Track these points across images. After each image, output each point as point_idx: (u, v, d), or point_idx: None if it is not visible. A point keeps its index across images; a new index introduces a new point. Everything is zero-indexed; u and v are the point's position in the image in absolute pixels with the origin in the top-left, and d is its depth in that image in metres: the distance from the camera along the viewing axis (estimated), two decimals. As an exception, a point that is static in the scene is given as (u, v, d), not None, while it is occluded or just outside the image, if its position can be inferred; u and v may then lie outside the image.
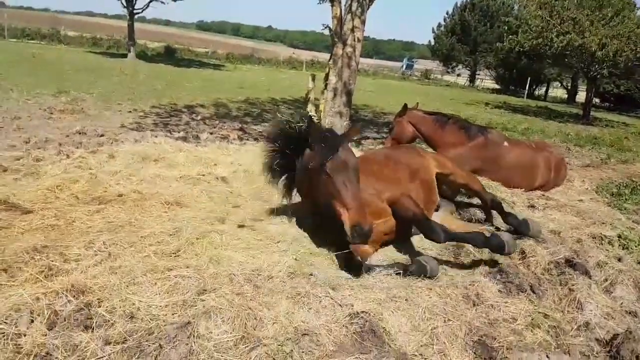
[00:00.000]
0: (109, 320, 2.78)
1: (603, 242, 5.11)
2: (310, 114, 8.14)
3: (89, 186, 5.05)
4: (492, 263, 4.24)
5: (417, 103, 7.73)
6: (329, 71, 7.77)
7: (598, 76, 23.49)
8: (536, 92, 47.20)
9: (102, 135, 8.11)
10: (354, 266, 3.81)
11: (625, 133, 19.50)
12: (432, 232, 3.83)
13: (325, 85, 7.87)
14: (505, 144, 7.04)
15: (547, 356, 2.84)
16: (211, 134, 9.34)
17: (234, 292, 3.23)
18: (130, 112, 10.98)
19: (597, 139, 15.53)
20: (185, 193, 5.20)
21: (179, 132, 9.12)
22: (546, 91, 48.64)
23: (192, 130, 9.54)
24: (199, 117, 11.35)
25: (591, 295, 3.71)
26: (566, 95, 46.30)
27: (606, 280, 4.16)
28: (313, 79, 8.31)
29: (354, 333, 2.94)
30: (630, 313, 3.63)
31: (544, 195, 6.88)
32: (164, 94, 14.57)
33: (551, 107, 31.45)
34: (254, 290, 3.32)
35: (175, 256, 3.71)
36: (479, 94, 38.33)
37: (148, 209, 4.61)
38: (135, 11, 29.54)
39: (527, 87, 41.58)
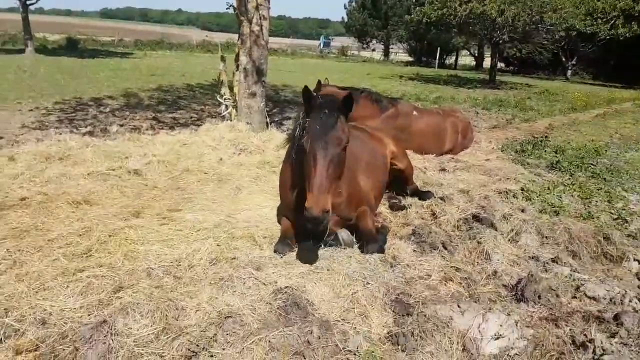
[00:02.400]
0: (18, 330, 2.62)
1: (508, 196, 5.56)
2: (225, 96, 7.95)
3: (-15, 193, 4.62)
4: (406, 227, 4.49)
5: (326, 78, 7.81)
6: (238, 51, 7.60)
7: (500, 41, 25.04)
8: (447, 62, 49.47)
9: (0, 138, 7.40)
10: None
11: (528, 94, 21.10)
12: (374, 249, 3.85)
13: (237, 66, 7.70)
14: (415, 112, 7.36)
15: (458, 305, 3.06)
16: (121, 126, 8.85)
17: (152, 286, 3.14)
18: (31, 110, 10.08)
19: (503, 102, 16.66)
20: (94, 190, 4.92)
21: (85, 127, 8.55)
22: (456, 60, 51.13)
23: (100, 124, 8.97)
24: (107, 110, 10.69)
25: (497, 245, 4.03)
26: (474, 63, 48.99)
27: (512, 230, 4.53)
28: (223, 60, 8.09)
29: (278, 308, 2.98)
30: (532, 258, 3.99)
31: (453, 158, 7.32)
32: (68, 89, 13.51)
33: (460, 75, 33.18)
34: (174, 282, 3.25)
35: (86, 256, 3.52)
36: (394, 68, 39.49)
37: (54, 211, 4.32)
38: (29, 2, 26.85)
39: (437, 58, 43.41)
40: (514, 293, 3.41)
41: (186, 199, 4.86)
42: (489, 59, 47.18)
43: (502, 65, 44.79)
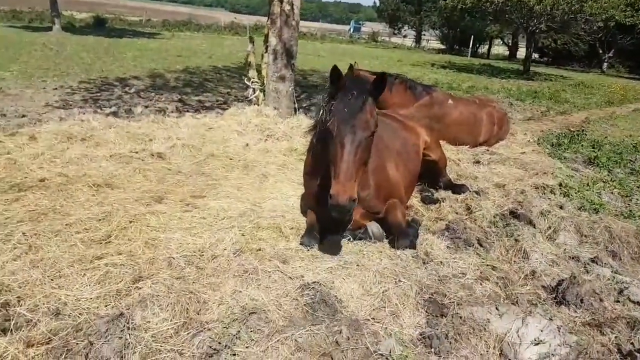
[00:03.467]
0: (30, 320, 2.51)
1: (545, 191, 5.25)
2: (252, 79, 7.77)
3: (7, 172, 4.57)
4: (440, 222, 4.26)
5: (355, 62, 7.52)
6: (267, 32, 7.38)
7: (537, 30, 24.12)
8: (479, 51, 48.12)
9: (23, 116, 7.41)
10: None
11: (563, 86, 20.29)
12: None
13: (266, 48, 7.49)
14: (450, 101, 7.04)
15: (496, 308, 2.84)
16: (146, 107, 8.79)
17: (173, 277, 3.01)
18: (55, 89, 10.12)
19: (537, 93, 16.03)
20: (116, 173, 4.83)
21: (110, 108, 8.51)
22: (489, 49, 49.66)
23: (125, 105, 8.92)
24: (132, 90, 10.66)
25: (536, 244, 3.78)
26: (507, 52, 47.50)
27: (549, 228, 4.26)
28: (252, 42, 7.89)
29: (305, 305, 2.82)
30: (573, 258, 3.72)
31: (488, 150, 6.99)
32: (94, 68, 13.57)
33: (494, 65, 32.21)
34: (196, 273, 3.11)
35: (105, 243, 3.41)
36: (425, 55, 38.63)
37: (74, 194, 4.23)
38: (56, -21, 27.10)
39: (470, 46, 42.23)
40: (554, 295, 3.16)
41: (210, 185, 4.72)
42: (523, 49, 45.80)
43: (536, 55, 43.26)
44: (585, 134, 8.73)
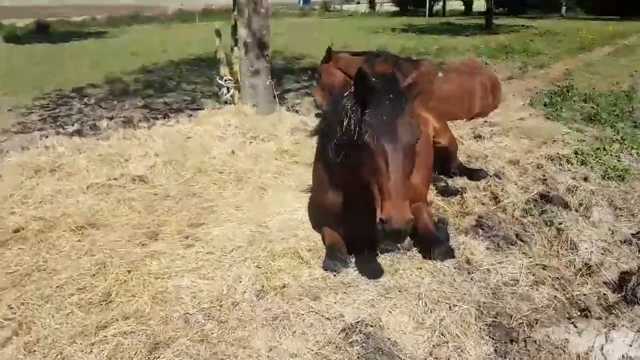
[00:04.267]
0: None
1: (562, 162, 4.95)
2: (225, 77, 7.14)
3: (-29, 228, 3.96)
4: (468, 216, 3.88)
5: (332, 44, 7.05)
6: (235, 23, 6.74)
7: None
8: (434, 9, 47.64)
9: (-21, 148, 6.64)
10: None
11: (529, 36, 20.12)
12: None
13: (235, 41, 6.85)
14: (440, 74, 6.62)
15: (574, 325, 2.51)
16: (111, 119, 8.07)
17: (195, 340, 2.55)
18: (10, 110, 9.21)
19: (507, 47, 15.75)
20: (98, 208, 4.24)
21: (72, 125, 7.76)
22: (443, 6, 49.14)
23: (88, 119, 8.17)
24: (92, 101, 9.83)
25: (581, 230, 3.46)
26: (463, 8, 47.18)
27: (581, 204, 3.95)
28: (219, 35, 7.21)
29: (358, 358, 2.41)
30: (625, 242, 3.41)
31: (486, 122, 6.65)
32: (46, 80, 12.51)
33: (454, 22, 31.78)
34: (219, 329, 2.66)
35: (106, 304, 2.91)
36: (381, 20, 37.91)
37: (56, 242, 3.66)
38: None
39: (427, 5, 41.68)
40: (622, 295, 2.84)
41: (206, 208, 4.21)
42: (479, 2, 45.49)
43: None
44: (575, 88, 8.47)
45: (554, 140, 5.56)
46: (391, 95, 2.60)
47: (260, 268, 3.19)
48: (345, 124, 2.81)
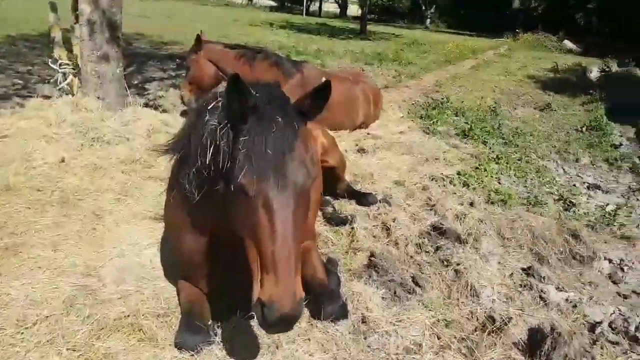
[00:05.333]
0: None
1: (445, 183, 4.71)
2: (60, 61, 5.64)
3: None
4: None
5: (202, 31, 6.06)
6: (75, -4, 5.34)
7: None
8: (311, 8, 48.21)
9: None
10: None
11: (399, 45, 20.98)
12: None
13: (76, 18, 5.43)
14: (323, 79, 6.00)
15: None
16: None
17: None
18: None
19: (381, 55, 16.09)
20: None
21: None
22: (320, 6, 50.09)
23: None
24: None
25: (480, 273, 3.06)
26: (338, 10, 48.53)
27: (469, 234, 3.65)
28: (54, 10, 5.67)
29: None
30: (524, 286, 3.10)
31: (369, 134, 6.26)
32: None
33: (329, 24, 32.19)
34: None
35: None
36: (260, 13, 37.00)
37: None
38: None
39: (304, 4, 41.86)
40: None
41: (8, 249, 2.97)
42: (353, 6, 47.17)
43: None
44: (448, 102, 8.65)
45: (436, 158, 5.35)
46: (279, 117, 1.82)
47: (76, 352, 2.17)
48: (209, 151, 1.95)
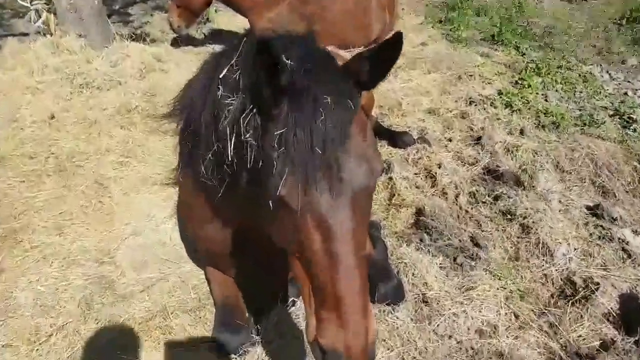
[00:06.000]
0: None
1: (486, 106, 4.14)
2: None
3: None
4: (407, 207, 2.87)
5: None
6: None
7: None
8: None
9: None
10: None
11: None
12: None
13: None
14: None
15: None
16: None
17: None
18: None
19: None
20: None
21: None
22: None
23: None
24: None
25: (552, 226, 2.64)
26: None
27: (522, 169, 3.21)
28: None
29: None
30: (602, 238, 2.67)
31: (387, 49, 5.53)
32: None
33: None
34: None
35: None
36: None
37: None
38: None
39: None
40: (635, 338, 2.08)
41: (8, 239, 2.58)
42: None
43: None
44: (467, 1, 7.68)
45: (470, 75, 4.71)
46: (326, 94, 1.27)
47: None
48: (230, 144, 1.44)
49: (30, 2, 4.75)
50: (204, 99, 1.56)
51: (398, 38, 1.24)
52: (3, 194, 2.97)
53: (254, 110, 1.33)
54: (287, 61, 1.26)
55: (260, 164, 1.30)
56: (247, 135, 1.33)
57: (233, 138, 1.40)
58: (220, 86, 1.46)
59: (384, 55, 1.28)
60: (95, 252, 2.53)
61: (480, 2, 7.71)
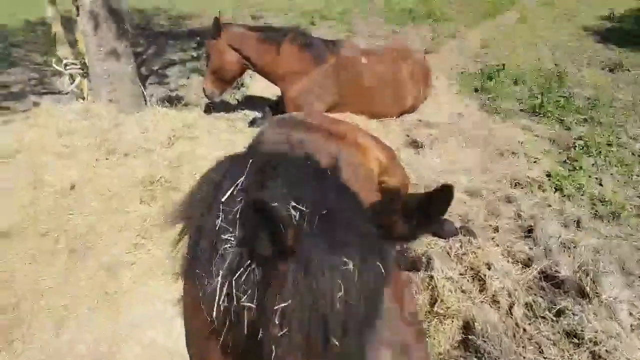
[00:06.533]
0: None
1: (534, 189, 3.80)
2: (66, 61, 4.88)
3: None
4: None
5: (220, 12, 5.21)
6: (74, -16, 4.52)
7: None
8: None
9: None
10: None
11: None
12: None
13: (77, 10, 4.63)
14: (364, 60, 5.10)
15: None
16: None
17: None
18: None
19: (412, 11, 14.67)
20: None
21: None
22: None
23: None
24: None
25: (628, 355, 2.21)
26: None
27: (581, 269, 2.79)
28: (52, 2, 4.86)
29: None
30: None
31: (420, 120, 5.32)
32: None
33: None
34: None
35: None
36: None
37: None
38: None
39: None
40: None
41: (3, 332, 2.33)
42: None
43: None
44: (504, 69, 7.52)
45: (513, 152, 4.40)
46: (348, 257, 0.92)
47: None
48: (219, 298, 1.13)
49: (65, 67, 4.78)
50: (204, 221, 1.29)
51: (448, 191, 0.95)
52: (10, 274, 2.75)
53: (252, 266, 1.03)
54: (294, 214, 0.97)
55: (259, 335, 0.99)
56: (244, 298, 1.03)
57: (225, 296, 1.09)
58: (220, 213, 1.19)
59: (430, 207, 0.98)
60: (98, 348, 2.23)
61: (518, 70, 7.55)
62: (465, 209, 3.48)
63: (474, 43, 10.45)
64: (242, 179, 1.20)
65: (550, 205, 3.53)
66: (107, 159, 4.25)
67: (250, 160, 1.22)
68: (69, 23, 5.08)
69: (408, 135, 4.94)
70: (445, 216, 3.23)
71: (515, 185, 3.84)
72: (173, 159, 4.19)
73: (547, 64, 8.39)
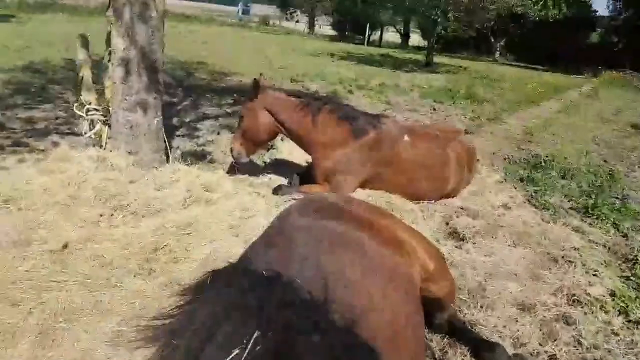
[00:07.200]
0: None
1: (594, 309, 3.19)
2: (87, 106, 4.68)
3: None
4: None
5: (261, 75, 4.99)
6: (110, 30, 4.39)
7: (439, 19, 23.04)
8: (371, 38, 47.35)
9: None
10: None
11: (469, 79, 19.37)
12: None
13: (109, 55, 4.48)
14: (406, 137, 4.73)
15: None
16: None
17: None
18: None
19: (452, 92, 14.62)
20: None
21: None
22: (380, 36, 49.06)
23: None
24: None
25: None
26: (399, 40, 47.32)
27: None
28: (85, 45, 4.77)
29: None
30: None
31: (462, 208, 4.82)
32: None
33: (392, 55, 31.01)
34: None
35: None
36: (321, 43, 36.52)
37: None
38: None
39: (366, 34, 41.05)
40: None
41: None
42: (414, 36, 45.92)
43: (425, 43, 43.68)
44: (553, 160, 7.06)
45: (569, 261, 3.82)
46: None
47: None
48: None
49: (87, 112, 4.55)
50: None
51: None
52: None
53: None
54: None
55: None
56: None
57: None
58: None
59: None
60: None
61: (566, 163, 7.07)
62: (517, 328, 2.89)
63: (515, 129, 10.13)
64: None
65: (616, 333, 2.91)
66: (112, 215, 3.87)
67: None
68: (100, 68, 4.92)
69: (447, 224, 4.44)
70: (496, 337, 2.64)
71: (573, 301, 3.23)
72: (183, 224, 3.77)
73: (595, 159, 7.91)
